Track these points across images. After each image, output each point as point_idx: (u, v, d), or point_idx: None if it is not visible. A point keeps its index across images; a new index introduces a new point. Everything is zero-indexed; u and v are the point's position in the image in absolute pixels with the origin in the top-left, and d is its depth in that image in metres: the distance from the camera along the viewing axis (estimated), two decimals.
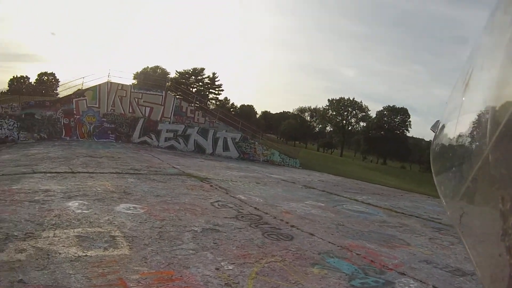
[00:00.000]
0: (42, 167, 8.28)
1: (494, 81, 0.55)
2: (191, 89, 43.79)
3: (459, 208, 0.67)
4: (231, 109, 49.92)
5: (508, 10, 0.56)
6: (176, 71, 49.06)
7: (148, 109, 17.27)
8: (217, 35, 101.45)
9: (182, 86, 34.45)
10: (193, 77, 48.28)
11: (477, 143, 0.62)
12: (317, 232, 5.05)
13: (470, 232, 0.66)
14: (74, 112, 15.99)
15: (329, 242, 4.59)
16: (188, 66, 58.66)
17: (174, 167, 10.23)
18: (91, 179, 7.06)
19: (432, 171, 0.88)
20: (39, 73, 48.19)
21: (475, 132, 0.64)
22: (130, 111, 17.11)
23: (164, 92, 17.75)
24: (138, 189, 6.43)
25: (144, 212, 4.92)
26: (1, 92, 31.57)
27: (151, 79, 26.27)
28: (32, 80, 48.04)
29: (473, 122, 0.64)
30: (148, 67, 49.01)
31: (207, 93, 48.30)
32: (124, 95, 16.99)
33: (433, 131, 1.03)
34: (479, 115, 0.61)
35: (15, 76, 48.27)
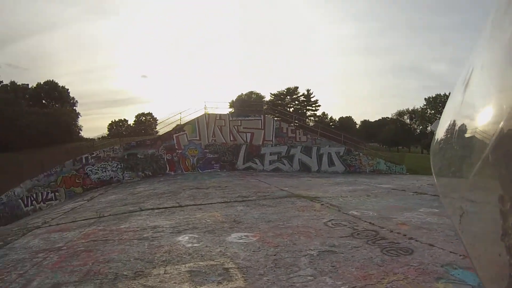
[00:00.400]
0: (149, 203, 12.01)
1: (494, 81, 0.85)
2: (288, 109, 62.20)
3: (459, 208, 1.00)
4: (330, 123, 72.35)
5: (508, 10, 0.84)
6: (271, 93, 75.86)
7: (249, 135, 27.03)
8: (309, 52, 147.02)
9: (279, 107, 49.24)
10: (288, 97, 74.33)
11: (477, 143, 0.92)
12: (436, 242, 6.68)
13: (470, 232, 0.99)
14: (176, 147, 25.75)
15: (451, 252, 6.01)
16: (282, 87, 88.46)
17: (282, 190, 14.51)
18: (200, 211, 10.25)
19: (432, 171, 1.29)
20: (136, 114, 77.13)
21: (475, 132, 0.94)
22: (231, 139, 26.86)
23: (262, 116, 27.61)
24: (248, 217, 9.10)
25: (256, 240, 6.87)
26: (102, 137, 45.60)
27: (248, 104, 39.26)
28: (131, 122, 75.89)
29: (473, 122, 0.95)
30: (242, 94, 74.44)
31: (304, 110, 72.02)
32: (223, 124, 26.84)
33: (433, 131, 1.48)
34: (479, 115, 0.92)
35: (113, 120, 77.49)
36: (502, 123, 0.75)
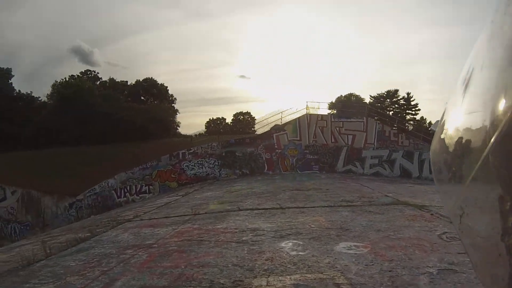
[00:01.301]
0: (248, 203, 11.65)
1: (494, 81, 0.89)
2: (387, 112, 63.33)
3: (459, 208, 1.08)
4: (429, 129, 71.23)
5: (508, 10, 0.90)
6: (370, 95, 76.15)
7: (350, 137, 27.28)
8: (409, 55, 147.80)
9: (379, 110, 49.45)
10: (387, 100, 74.09)
11: (477, 143, 0.98)
12: None
13: (470, 232, 1.07)
14: (276, 146, 26.55)
15: None
16: (382, 90, 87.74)
17: (387, 196, 14.09)
18: (302, 214, 9.75)
19: (432, 171, 1.39)
20: (234, 113, 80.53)
21: (475, 132, 1.00)
22: (332, 140, 27.25)
23: (364, 118, 27.81)
24: (355, 224, 8.50)
25: (368, 252, 6.25)
26: (200, 134, 47.86)
27: (349, 106, 39.88)
28: (228, 120, 79.73)
29: (473, 122, 1.01)
30: (341, 95, 75.96)
31: (404, 114, 71.34)
32: (325, 125, 27.37)
33: (434, 131, 1.60)
34: (479, 115, 0.97)
35: (211, 118, 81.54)
36: (502, 123, 0.79)
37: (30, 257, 7.25)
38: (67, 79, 61.52)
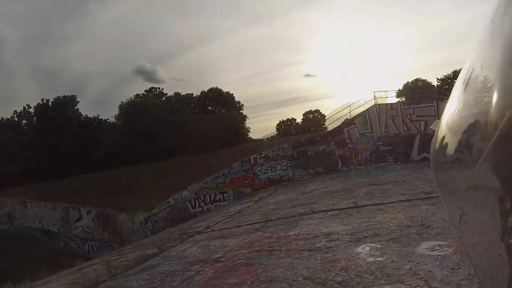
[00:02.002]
0: (322, 204, 11.01)
1: (494, 81, 0.89)
2: None
3: (459, 208, 1.09)
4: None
5: (508, 10, 0.91)
6: (437, 78, 71.93)
7: (422, 123, 25.82)
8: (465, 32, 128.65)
9: (447, 92, 44.60)
10: (455, 80, 64.11)
11: (477, 143, 0.99)
12: None
13: (470, 232, 1.08)
14: (347, 141, 25.59)
15: None
16: (447, 71, 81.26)
17: None
18: (379, 212, 9.08)
19: (432, 170, 1.43)
20: (304, 112, 79.73)
21: (475, 132, 1.01)
22: (404, 129, 25.97)
23: (435, 102, 26.28)
24: (437, 219, 7.62)
25: (453, 252, 5.51)
26: (271, 137, 48.64)
27: (418, 92, 38.42)
28: (299, 120, 79.45)
29: (473, 122, 1.02)
30: (408, 81, 72.87)
31: None
32: (395, 114, 26.20)
33: (433, 131, 1.62)
34: (479, 115, 0.98)
35: (281, 120, 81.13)
36: (502, 123, 0.79)
37: (95, 279, 7.29)
38: (132, 99, 64.28)
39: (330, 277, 4.80)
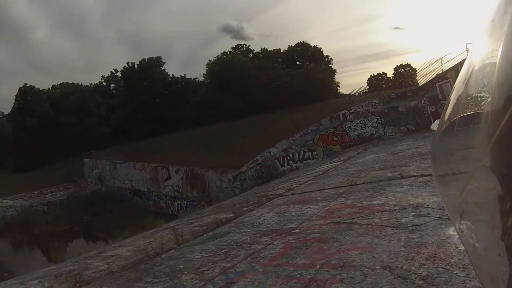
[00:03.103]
0: (412, 167, 9.95)
1: (494, 81, 0.90)
2: None
3: (459, 208, 1.09)
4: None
5: (508, 10, 0.90)
6: None
7: None
8: None
9: None
10: None
11: (477, 143, 0.99)
12: None
13: (470, 232, 1.07)
14: (440, 97, 23.77)
15: None
16: None
17: None
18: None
19: (432, 170, 1.38)
20: (395, 66, 78.28)
21: (475, 132, 1.02)
22: None
23: None
24: None
25: None
26: (362, 91, 47.52)
27: None
28: (390, 75, 77.89)
29: (473, 121, 1.02)
30: None
31: None
32: None
33: (433, 131, 1.58)
34: (479, 115, 0.98)
35: (372, 75, 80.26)
36: (502, 123, 0.80)
37: (160, 247, 7.12)
38: (219, 57, 64.86)
39: (413, 268, 3.79)
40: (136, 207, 35.61)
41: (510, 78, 0.82)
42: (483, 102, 0.97)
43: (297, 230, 6.32)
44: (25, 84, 67.87)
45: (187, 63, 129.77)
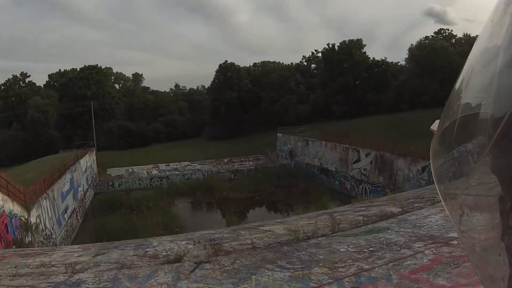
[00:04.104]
0: None
1: (494, 81, 0.89)
2: None
3: (459, 208, 1.07)
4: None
5: (508, 10, 0.91)
6: None
7: None
8: None
9: None
10: None
11: (477, 143, 0.99)
12: None
13: (470, 232, 1.05)
14: None
15: None
16: None
17: None
18: None
19: (432, 170, 1.34)
20: None
21: (475, 132, 1.01)
22: None
23: None
24: None
25: None
26: None
27: None
28: None
29: (473, 121, 1.01)
30: None
31: None
32: None
33: (433, 131, 1.69)
34: (479, 115, 0.98)
35: None
36: (502, 123, 0.80)
37: (313, 232, 7.15)
38: (420, 41, 61.52)
39: None
40: (322, 185, 36.12)
41: (510, 79, 0.84)
42: (482, 103, 0.98)
43: (456, 242, 5.71)
44: (226, 61, 73.08)
45: (389, 47, 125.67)
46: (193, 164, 48.33)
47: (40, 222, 19.91)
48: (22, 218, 17.35)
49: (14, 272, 6.81)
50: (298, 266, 5.39)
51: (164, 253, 7.16)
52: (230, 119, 67.06)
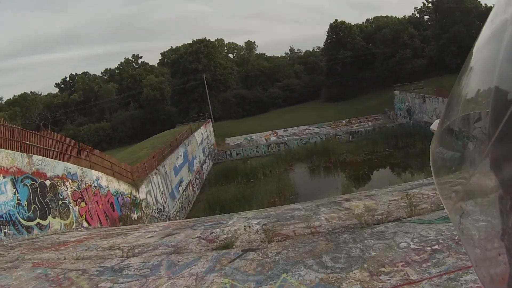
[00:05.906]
0: None
1: (494, 80, 0.90)
2: None
3: (459, 208, 1.09)
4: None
5: (508, 10, 0.92)
6: None
7: None
8: None
9: None
10: None
11: (477, 143, 1.04)
12: None
13: (470, 232, 1.08)
14: None
15: None
16: None
17: None
18: None
19: (432, 170, 1.33)
20: None
21: (475, 132, 1.06)
22: None
23: None
24: None
25: None
26: None
27: None
28: None
29: (473, 121, 1.06)
30: None
31: None
32: None
33: (433, 131, 1.73)
34: (479, 115, 1.02)
35: None
36: (502, 123, 0.81)
37: (390, 212, 6.67)
38: None
39: None
40: None
41: (510, 78, 0.85)
42: (482, 103, 0.99)
43: None
44: (336, 20, 71.14)
45: None
46: (311, 128, 48.79)
47: (151, 197, 21.30)
48: (130, 196, 18.59)
49: (78, 255, 7.15)
50: (338, 265, 4.85)
51: (224, 236, 7.05)
52: (345, 79, 66.21)
